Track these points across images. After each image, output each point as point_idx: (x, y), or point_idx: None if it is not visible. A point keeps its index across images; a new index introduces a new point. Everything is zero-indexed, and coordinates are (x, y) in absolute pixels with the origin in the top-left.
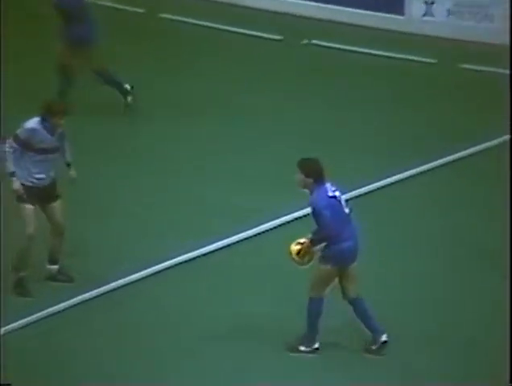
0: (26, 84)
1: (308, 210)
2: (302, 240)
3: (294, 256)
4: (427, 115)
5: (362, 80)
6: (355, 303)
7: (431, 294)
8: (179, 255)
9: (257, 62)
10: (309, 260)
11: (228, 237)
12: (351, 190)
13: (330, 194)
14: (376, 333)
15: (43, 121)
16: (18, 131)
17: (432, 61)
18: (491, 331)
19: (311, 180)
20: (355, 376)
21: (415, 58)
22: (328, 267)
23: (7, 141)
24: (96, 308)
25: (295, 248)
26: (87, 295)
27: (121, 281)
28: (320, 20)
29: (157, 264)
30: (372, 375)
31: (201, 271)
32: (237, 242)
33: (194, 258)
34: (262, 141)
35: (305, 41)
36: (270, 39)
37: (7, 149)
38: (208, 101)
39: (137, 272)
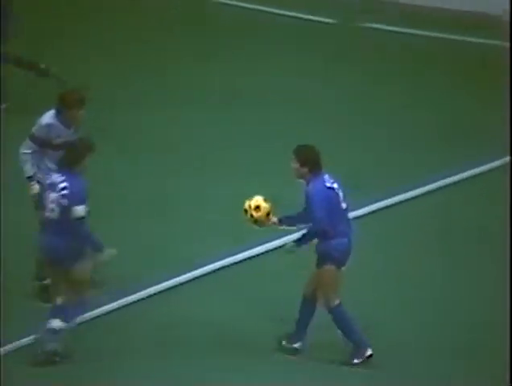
0: None
1: None
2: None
3: (251, 209)
4: None
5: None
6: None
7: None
8: (210, 261)
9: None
10: (255, 221)
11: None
12: None
13: (328, 184)
14: (360, 345)
15: (58, 114)
16: (34, 129)
17: None
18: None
19: (306, 169)
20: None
21: None
22: (331, 266)
23: (25, 142)
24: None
25: (260, 204)
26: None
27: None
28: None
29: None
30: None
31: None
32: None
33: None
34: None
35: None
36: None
37: (25, 151)
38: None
39: (171, 277)
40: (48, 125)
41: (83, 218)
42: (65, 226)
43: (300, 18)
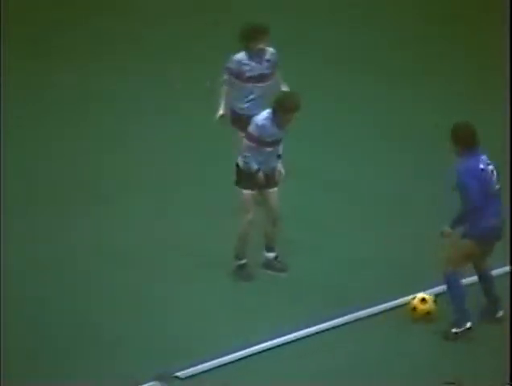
0: None
1: None
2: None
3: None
4: None
5: None
6: (486, 277)
7: None
8: None
9: None
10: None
11: None
12: None
13: (481, 166)
14: (493, 304)
15: (274, 115)
16: (251, 129)
17: None
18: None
19: (458, 148)
20: None
21: None
22: (470, 242)
23: (244, 144)
24: None
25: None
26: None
27: None
28: None
29: None
30: None
31: None
32: None
33: None
34: None
35: None
36: None
37: (247, 154)
38: None
39: None
40: (263, 126)
41: None
42: None
43: None
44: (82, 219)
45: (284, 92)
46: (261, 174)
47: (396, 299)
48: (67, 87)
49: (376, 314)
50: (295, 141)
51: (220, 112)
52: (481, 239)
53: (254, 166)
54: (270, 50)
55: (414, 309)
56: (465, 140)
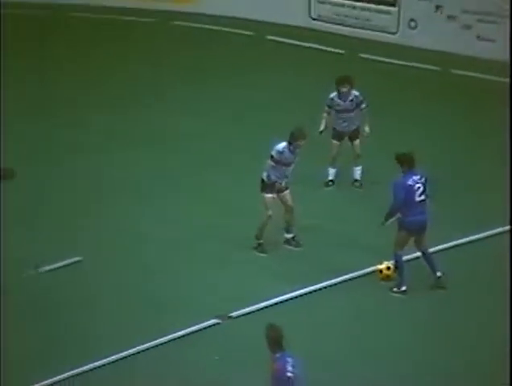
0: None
1: None
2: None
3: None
4: None
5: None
6: (425, 253)
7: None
8: None
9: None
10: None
11: None
12: None
13: (409, 182)
14: (433, 268)
15: (289, 144)
16: (273, 153)
17: None
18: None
19: (404, 168)
20: None
21: None
22: (402, 232)
23: (268, 164)
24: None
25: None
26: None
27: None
28: None
29: None
30: None
31: None
32: None
33: None
34: None
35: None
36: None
37: (270, 171)
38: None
39: None
40: (282, 152)
41: None
42: None
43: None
44: (133, 216)
45: (295, 128)
46: (277, 184)
47: (368, 267)
48: None
49: (355, 278)
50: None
51: (321, 128)
52: (409, 230)
53: (273, 178)
54: (354, 92)
55: (381, 272)
56: (407, 163)
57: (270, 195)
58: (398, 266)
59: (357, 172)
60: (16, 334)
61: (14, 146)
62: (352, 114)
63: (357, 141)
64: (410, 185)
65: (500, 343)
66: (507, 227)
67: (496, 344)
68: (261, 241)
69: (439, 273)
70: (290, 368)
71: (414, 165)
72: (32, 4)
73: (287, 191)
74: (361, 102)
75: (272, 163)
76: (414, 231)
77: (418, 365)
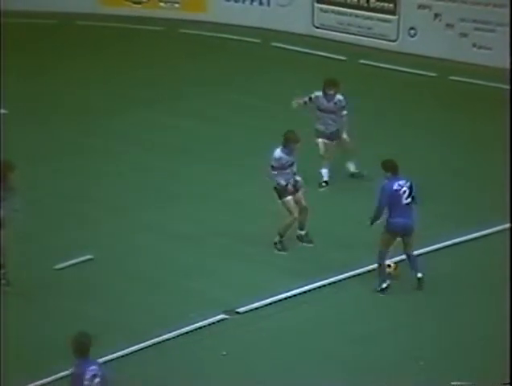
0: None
1: None
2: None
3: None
4: None
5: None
6: (409, 256)
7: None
8: None
9: None
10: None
11: None
12: None
13: (395, 187)
14: (415, 270)
15: (284, 148)
16: (272, 162)
17: None
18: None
19: (388, 174)
20: None
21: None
22: (386, 234)
23: (269, 168)
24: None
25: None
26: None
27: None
28: None
29: None
30: None
31: None
32: None
33: None
34: None
35: None
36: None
37: (277, 178)
38: None
39: None
40: (280, 158)
41: None
42: None
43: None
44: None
45: (287, 131)
46: (289, 186)
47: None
48: None
49: (355, 276)
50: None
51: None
52: (393, 232)
53: (283, 183)
54: (339, 97)
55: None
56: (391, 169)
57: (290, 198)
58: (379, 264)
59: (351, 166)
60: (23, 329)
61: (26, 144)
62: (333, 116)
63: (344, 138)
64: (396, 189)
65: (500, 342)
66: (507, 226)
67: (496, 344)
68: (281, 239)
69: (419, 275)
70: (88, 377)
71: (398, 171)
72: (39, 13)
73: (300, 192)
74: (343, 108)
75: (274, 172)
76: (399, 233)
77: (419, 365)
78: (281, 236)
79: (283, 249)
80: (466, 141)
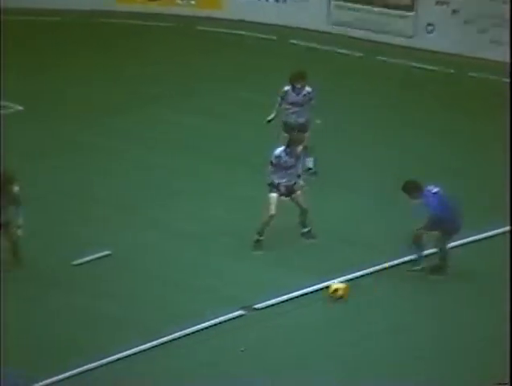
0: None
1: None
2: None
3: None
4: None
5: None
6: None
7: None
8: None
9: None
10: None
11: None
12: None
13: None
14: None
15: (286, 148)
16: (272, 158)
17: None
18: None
19: (414, 194)
20: None
21: None
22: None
23: (269, 169)
24: None
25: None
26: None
27: None
28: None
29: None
30: None
31: None
32: None
33: None
34: None
35: None
36: None
37: (272, 175)
38: None
39: None
40: (279, 156)
41: None
42: None
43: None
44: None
45: (291, 133)
46: (281, 187)
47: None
48: None
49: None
50: None
51: (270, 117)
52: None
53: (276, 181)
54: (308, 89)
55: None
56: (415, 190)
57: (274, 195)
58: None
59: (310, 162)
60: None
61: (37, 142)
62: (301, 108)
63: (307, 134)
64: (435, 192)
65: (500, 343)
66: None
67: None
68: (261, 238)
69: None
70: None
71: (422, 188)
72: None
73: (299, 193)
74: (312, 98)
75: (272, 168)
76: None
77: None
78: (260, 235)
79: (259, 249)
80: (483, 136)
